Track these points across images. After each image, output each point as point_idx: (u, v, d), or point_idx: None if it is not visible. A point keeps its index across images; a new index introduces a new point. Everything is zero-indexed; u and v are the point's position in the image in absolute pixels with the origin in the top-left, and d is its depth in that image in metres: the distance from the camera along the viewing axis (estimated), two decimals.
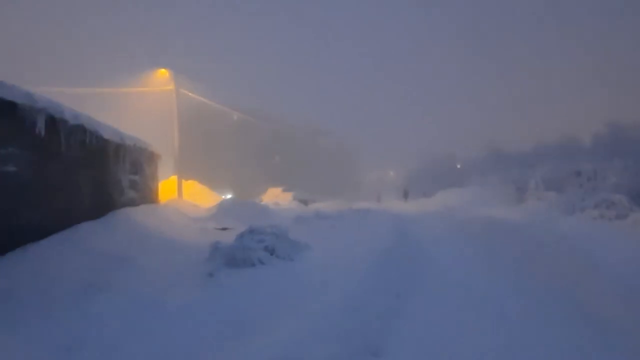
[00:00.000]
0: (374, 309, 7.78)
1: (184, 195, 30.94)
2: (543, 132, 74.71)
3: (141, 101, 31.86)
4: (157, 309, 8.21)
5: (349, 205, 39.00)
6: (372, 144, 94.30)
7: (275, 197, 41.23)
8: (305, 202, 40.71)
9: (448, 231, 18.27)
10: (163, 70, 30.86)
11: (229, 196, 55.52)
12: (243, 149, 60.35)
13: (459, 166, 64.93)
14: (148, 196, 19.16)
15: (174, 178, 30.87)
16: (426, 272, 10.96)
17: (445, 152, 67.61)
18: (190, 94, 33.21)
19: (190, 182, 35.16)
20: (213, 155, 56.73)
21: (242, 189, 56.68)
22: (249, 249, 12.54)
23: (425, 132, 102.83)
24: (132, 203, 16.87)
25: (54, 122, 11.59)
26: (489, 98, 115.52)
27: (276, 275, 11.28)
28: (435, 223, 21.54)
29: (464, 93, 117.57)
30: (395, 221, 22.47)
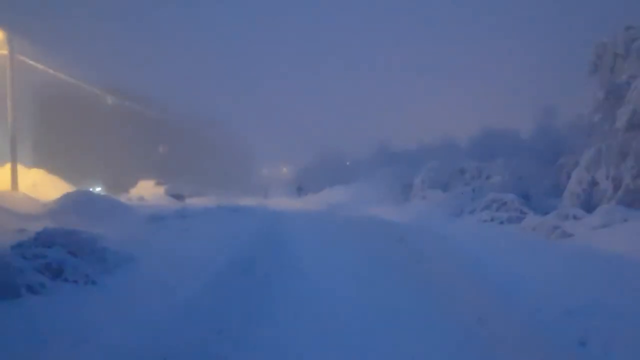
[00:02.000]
0: None
1: (22, 187, 24.26)
2: (426, 133, 75.78)
3: None
4: None
5: (230, 201, 34.55)
6: (267, 139, 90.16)
7: (145, 192, 35.34)
8: (180, 198, 35.36)
9: (326, 234, 14.65)
10: None
11: (97, 189, 47.87)
12: (119, 137, 52.77)
13: (348, 163, 63.02)
14: None
15: (9, 165, 24.06)
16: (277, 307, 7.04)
17: (336, 149, 65.41)
18: (39, 65, 26.51)
19: (34, 170, 28.28)
20: (79, 141, 48.57)
21: (115, 182, 49.30)
22: (14, 270, 7.68)
23: (318, 129, 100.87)
24: None
25: None
26: (378, 97, 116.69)
27: (44, 315, 6.69)
28: (314, 224, 17.93)
29: (355, 92, 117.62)
30: (267, 222, 18.46)
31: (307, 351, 5.47)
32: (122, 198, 30.78)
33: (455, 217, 17.90)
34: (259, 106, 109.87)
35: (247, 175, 73.69)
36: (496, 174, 23.62)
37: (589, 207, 14.71)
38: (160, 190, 36.00)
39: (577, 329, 5.73)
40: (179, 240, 12.86)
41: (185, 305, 7.14)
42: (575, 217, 12.23)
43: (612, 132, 14.64)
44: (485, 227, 15.14)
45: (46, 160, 35.27)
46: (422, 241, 13.05)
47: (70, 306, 7.05)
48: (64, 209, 17.74)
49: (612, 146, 14.43)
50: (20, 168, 24.87)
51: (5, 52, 23.87)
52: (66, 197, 20.15)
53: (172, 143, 59.36)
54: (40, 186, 26.51)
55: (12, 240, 10.67)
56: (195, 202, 33.98)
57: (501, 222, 15.59)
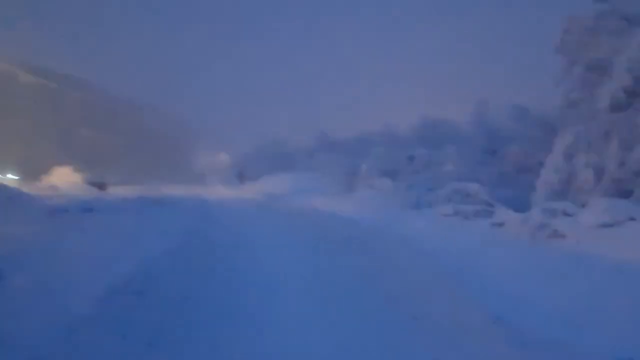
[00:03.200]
0: None
1: None
2: (366, 121, 73.61)
3: None
4: None
5: (159, 191, 30.34)
6: (207, 125, 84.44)
7: (61, 179, 30.21)
8: (101, 186, 30.55)
9: (261, 237, 11.32)
10: None
11: (10, 176, 41.52)
12: (35, 119, 46.19)
13: (289, 151, 59.58)
14: None
15: None
16: None
17: (277, 136, 61.64)
18: None
19: None
20: None
21: (34, 169, 43.03)
22: None
23: (260, 115, 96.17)
24: None
25: None
26: (317, 85, 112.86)
27: None
28: (248, 222, 14.54)
29: (295, 78, 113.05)
30: (190, 216, 14.81)
31: None
32: (33, 187, 25.86)
33: (413, 211, 15.20)
34: (199, 92, 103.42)
35: (184, 162, 68.29)
36: (448, 162, 21.24)
37: (567, 199, 12.44)
38: (79, 177, 30.97)
39: None
40: (65, 249, 9.04)
41: None
42: (565, 213, 9.78)
43: (592, 113, 12.45)
44: (452, 225, 12.46)
45: None
46: (383, 251, 10.06)
47: None
48: None
49: (593, 129, 12.22)
50: None
51: None
52: None
53: (99, 126, 53.19)
54: None
55: None
56: (118, 191, 29.39)
57: (466, 217, 12.98)
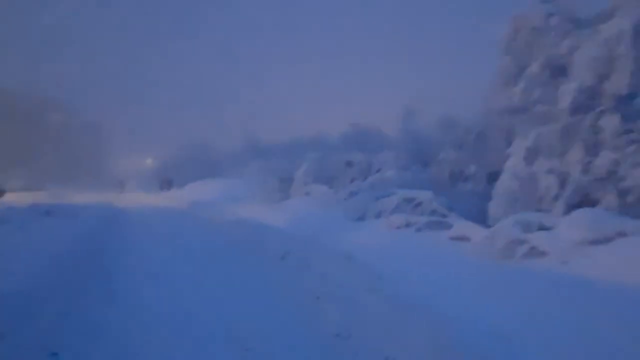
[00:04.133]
0: None
1: None
2: (296, 127, 71.53)
3: None
4: None
5: (65, 198, 26.27)
6: (128, 128, 77.99)
7: None
8: None
9: (177, 256, 8.75)
10: None
11: None
12: None
13: (218, 157, 56.12)
14: None
15: None
16: None
17: (204, 140, 57.89)
18: None
19: None
20: None
21: None
22: None
23: (186, 119, 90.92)
24: None
25: None
26: (246, 89, 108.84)
27: None
28: (165, 233, 11.82)
29: (223, 83, 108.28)
30: (84, 233, 11.77)
31: None
32: None
33: (358, 222, 13.32)
34: (120, 92, 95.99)
35: (101, 166, 62.11)
36: (387, 168, 19.72)
37: (529, 208, 11.19)
38: None
39: None
40: None
41: None
42: (542, 227, 8.31)
43: (552, 115, 11.33)
44: (407, 239, 10.67)
45: None
46: (330, 275, 7.94)
47: None
48: None
49: (555, 132, 11.07)
50: None
51: None
52: None
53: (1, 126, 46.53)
54: None
55: None
56: (13, 199, 24.89)
57: (419, 229, 11.27)
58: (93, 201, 24.66)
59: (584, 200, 10.25)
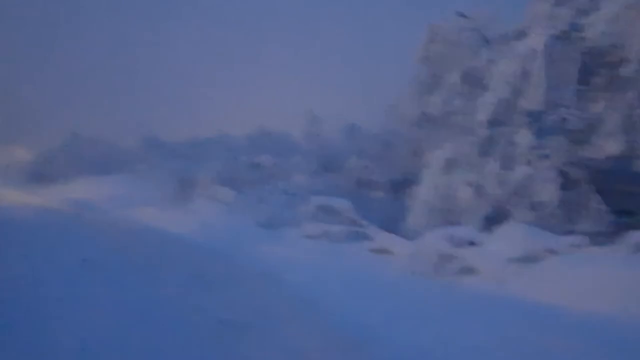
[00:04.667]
0: None
1: None
2: (202, 125, 67.32)
3: None
4: None
5: None
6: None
7: None
8: None
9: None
10: None
11: None
12: None
13: (108, 151, 50.93)
14: None
15: None
16: None
17: (94, 132, 52.04)
18: None
19: None
20: None
21: None
22: None
23: (75, 108, 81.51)
24: None
25: None
26: (148, 83, 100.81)
27: None
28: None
29: (121, 73, 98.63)
30: None
31: None
32: None
33: (272, 231, 12.11)
34: None
35: None
36: (298, 173, 18.81)
37: (447, 220, 10.94)
38: None
39: None
40: None
41: None
42: (471, 242, 7.89)
43: (470, 126, 11.25)
44: (327, 252, 9.72)
45: None
46: (243, 297, 6.64)
47: None
48: None
49: (473, 144, 10.97)
50: None
51: None
52: None
53: None
54: None
55: None
56: None
57: (337, 240, 10.44)
58: None
59: (499, 214, 10.21)
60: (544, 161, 9.95)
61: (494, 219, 10.36)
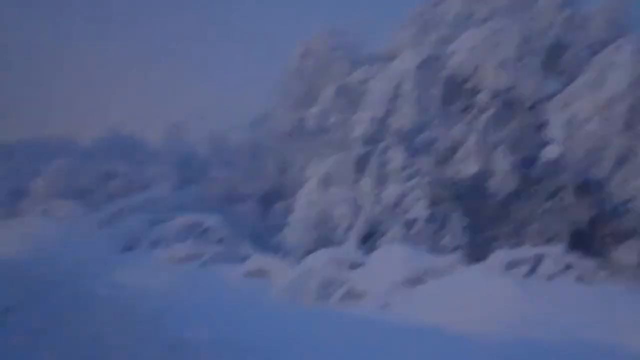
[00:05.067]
0: None
1: None
2: (41, 124, 57.62)
3: None
4: None
5: None
6: None
7: None
8: None
9: None
10: None
11: None
12: None
13: None
14: None
15: None
16: None
17: None
18: None
19: None
20: None
21: None
22: None
23: None
24: None
25: None
26: None
27: None
28: None
29: None
30: None
31: None
32: None
33: (127, 253, 10.24)
34: None
35: None
36: (158, 185, 16.92)
37: (325, 237, 10.53)
38: None
39: None
40: None
41: None
42: (354, 264, 7.44)
43: (346, 141, 11.07)
44: (195, 277, 8.43)
45: None
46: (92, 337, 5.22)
47: None
48: None
49: (349, 160, 10.78)
50: None
51: None
52: None
53: None
54: None
55: None
56: None
57: (207, 263, 9.24)
58: None
59: (374, 231, 10.22)
60: (414, 179, 10.26)
61: (370, 237, 10.34)
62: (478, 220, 10.66)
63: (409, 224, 9.97)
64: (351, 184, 10.57)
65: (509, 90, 11.02)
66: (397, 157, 10.49)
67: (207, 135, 28.75)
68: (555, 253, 7.09)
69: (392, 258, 7.36)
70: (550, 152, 9.53)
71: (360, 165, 10.74)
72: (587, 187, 10.59)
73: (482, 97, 10.93)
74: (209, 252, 9.58)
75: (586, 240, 10.95)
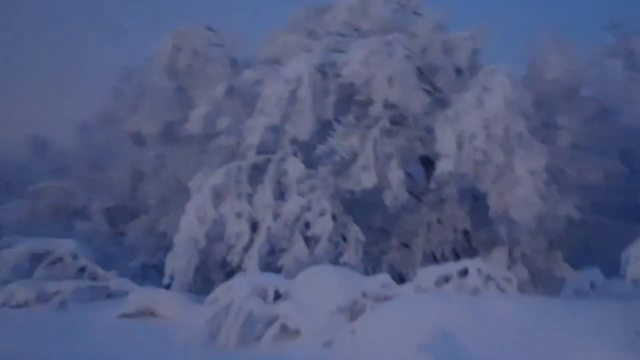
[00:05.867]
0: None
1: None
2: None
3: None
4: None
5: None
6: None
7: None
8: None
9: None
10: None
11: None
12: None
13: None
14: None
15: None
16: None
17: None
18: None
19: None
20: None
21: None
22: None
23: None
24: None
25: None
26: None
27: None
28: None
29: None
30: None
31: None
32: None
33: None
34: None
35: None
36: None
37: (216, 259, 8.79)
38: None
39: None
40: None
41: None
42: (279, 293, 5.95)
43: (239, 149, 9.45)
44: (48, 327, 5.89)
45: None
46: None
47: None
48: None
49: (244, 169, 9.19)
50: None
51: None
52: None
53: None
54: None
55: None
56: None
57: (65, 305, 6.72)
58: None
59: (274, 249, 9.01)
60: (315, 192, 9.41)
61: (272, 255, 9.09)
62: (370, 234, 10.35)
63: (312, 240, 9.06)
64: (247, 197, 9.19)
65: (398, 104, 11.06)
66: (295, 167, 9.53)
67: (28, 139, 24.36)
68: (475, 266, 7.00)
69: (319, 283, 6.34)
70: (444, 165, 9.68)
71: (256, 175, 9.45)
72: (468, 199, 11.25)
73: (375, 109, 10.72)
74: (65, 290, 7.09)
75: (464, 249, 11.63)
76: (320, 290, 6.13)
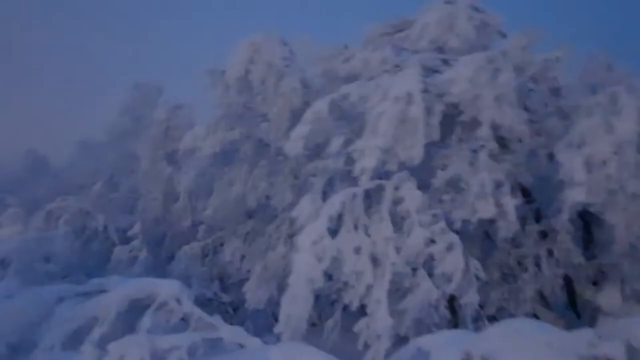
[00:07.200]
0: None
1: None
2: None
3: None
4: None
5: None
6: None
7: None
8: None
9: None
10: None
11: None
12: None
13: None
14: None
15: None
16: None
17: None
18: None
19: None
20: None
21: None
22: None
23: None
24: None
25: None
26: None
27: None
28: None
29: None
30: None
31: None
32: None
33: None
34: None
35: None
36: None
37: (329, 308, 7.32)
38: None
39: None
40: None
41: None
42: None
43: (348, 174, 8.09)
44: None
45: None
46: None
47: None
48: None
49: (358, 196, 7.73)
50: None
51: None
52: None
53: None
54: None
55: None
56: None
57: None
58: None
59: (399, 289, 7.58)
60: (439, 223, 8.08)
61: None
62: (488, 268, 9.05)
63: (441, 279, 7.65)
64: (363, 228, 7.78)
65: (502, 125, 9.92)
66: (413, 194, 8.19)
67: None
68: None
69: (520, 343, 4.95)
70: (575, 195, 8.49)
71: (370, 205, 8.07)
72: (579, 229, 10.07)
73: (483, 130, 9.53)
74: (181, 346, 5.54)
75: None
76: (525, 353, 4.74)
